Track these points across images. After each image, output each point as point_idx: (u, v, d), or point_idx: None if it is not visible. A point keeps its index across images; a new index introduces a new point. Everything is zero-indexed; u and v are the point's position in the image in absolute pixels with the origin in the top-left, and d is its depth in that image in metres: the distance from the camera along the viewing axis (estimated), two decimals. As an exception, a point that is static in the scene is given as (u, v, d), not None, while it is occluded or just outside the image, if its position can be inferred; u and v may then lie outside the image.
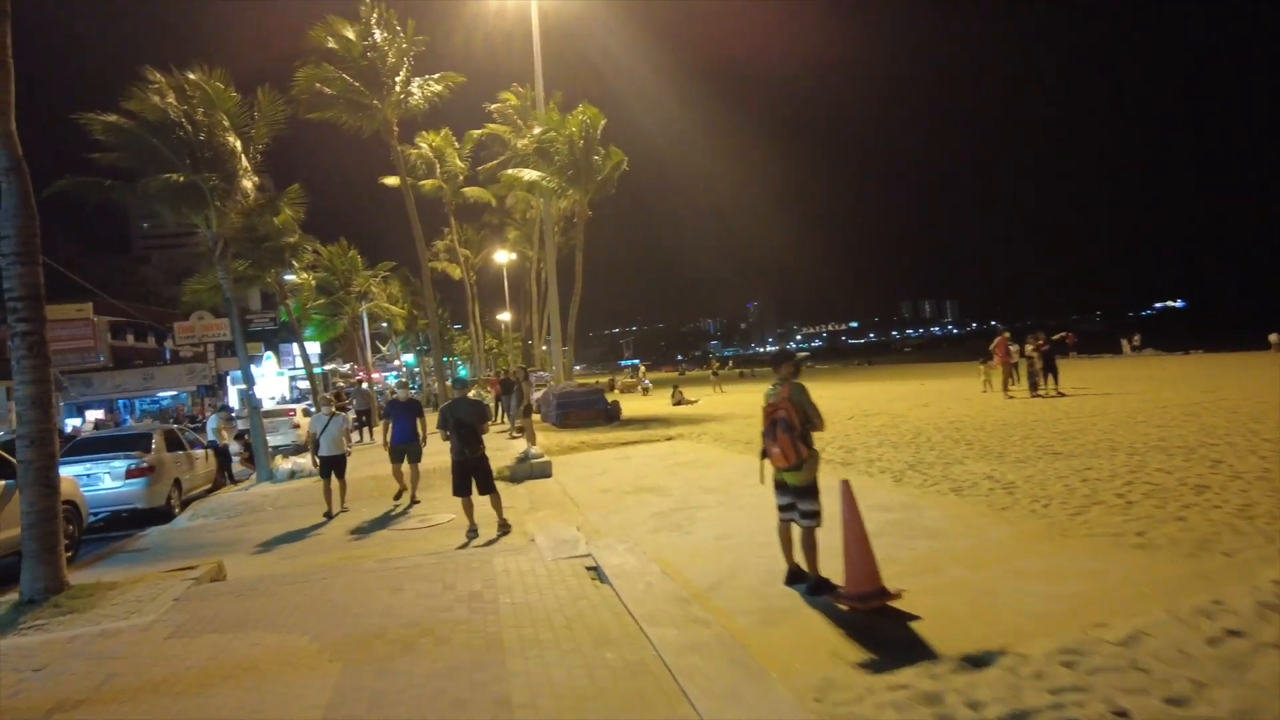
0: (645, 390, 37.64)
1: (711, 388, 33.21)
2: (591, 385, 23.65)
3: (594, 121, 26.09)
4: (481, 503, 8.41)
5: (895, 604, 4.72)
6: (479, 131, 37.73)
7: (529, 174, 27.13)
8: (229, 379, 57.59)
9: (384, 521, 9.81)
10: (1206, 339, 47.05)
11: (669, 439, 15.47)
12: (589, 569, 6.22)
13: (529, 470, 12.19)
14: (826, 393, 26.44)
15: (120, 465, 10.95)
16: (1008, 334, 19.85)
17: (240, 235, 13.99)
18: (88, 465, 10.87)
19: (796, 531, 5.27)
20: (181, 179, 12.32)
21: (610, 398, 22.48)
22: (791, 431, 5.07)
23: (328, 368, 58.95)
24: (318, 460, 10.17)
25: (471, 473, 8.23)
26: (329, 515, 10.04)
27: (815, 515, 5.12)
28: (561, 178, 27.18)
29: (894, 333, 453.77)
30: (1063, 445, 10.42)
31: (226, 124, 13.22)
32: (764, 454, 5.29)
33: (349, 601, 5.77)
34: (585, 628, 4.82)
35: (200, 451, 13.31)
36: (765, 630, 4.64)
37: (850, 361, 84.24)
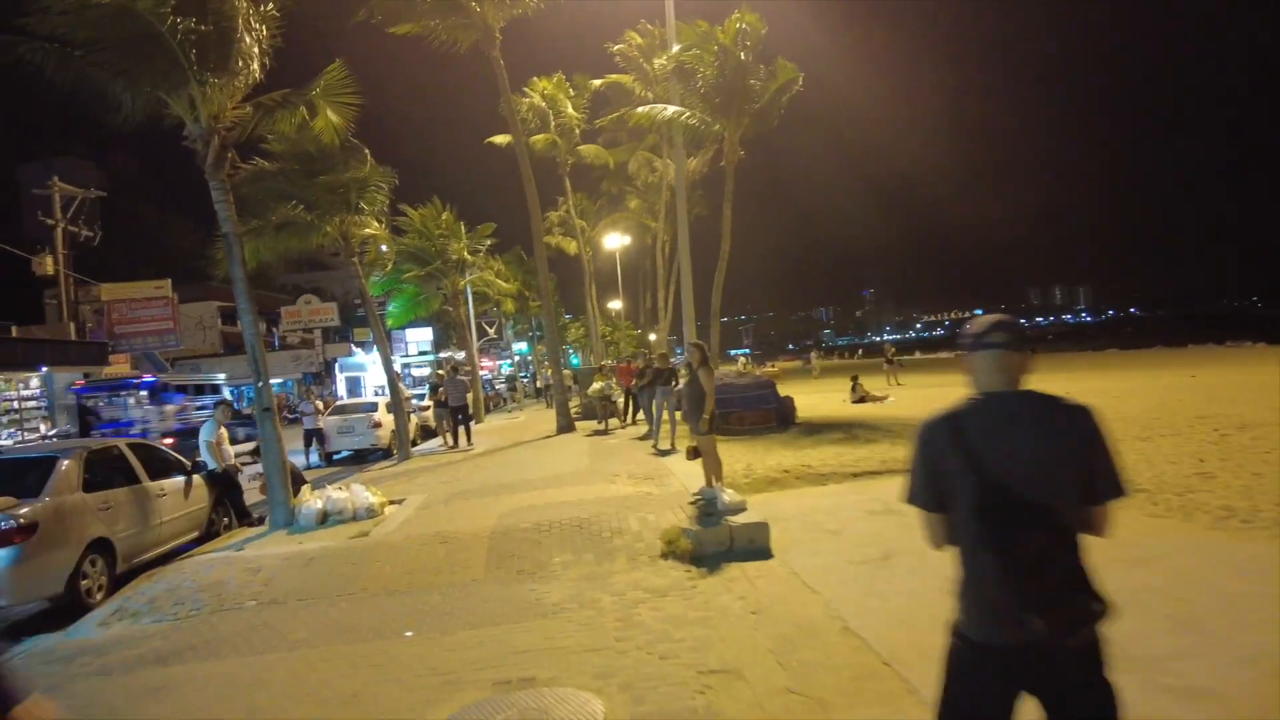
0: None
1: (885, 378, 26.66)
2: (755, 375, 17.75)
3: (753, 30, 19.99)
4: None
5: None
6: (598, 81, 32.40)
7: (665, 109, 21.19)
8: (337, 366, 55.32)
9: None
10: None
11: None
12: None
13: (726, 538, 6.40)
14: (1082, 386, 19.38)
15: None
16: None
17: (240, 135, 8.71)
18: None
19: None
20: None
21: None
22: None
23: (442, 355, 55.55)
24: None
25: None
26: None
27: None
28: (707, 108, 21.22)
29: (1022, 320, 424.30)
30: None
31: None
32: None
33: None
34: None
35: (176, 481, 8.17)
36: None
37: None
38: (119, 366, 29.45)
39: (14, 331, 27.32)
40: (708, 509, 7.06)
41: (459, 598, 5.81)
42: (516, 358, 62.23)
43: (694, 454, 7.95)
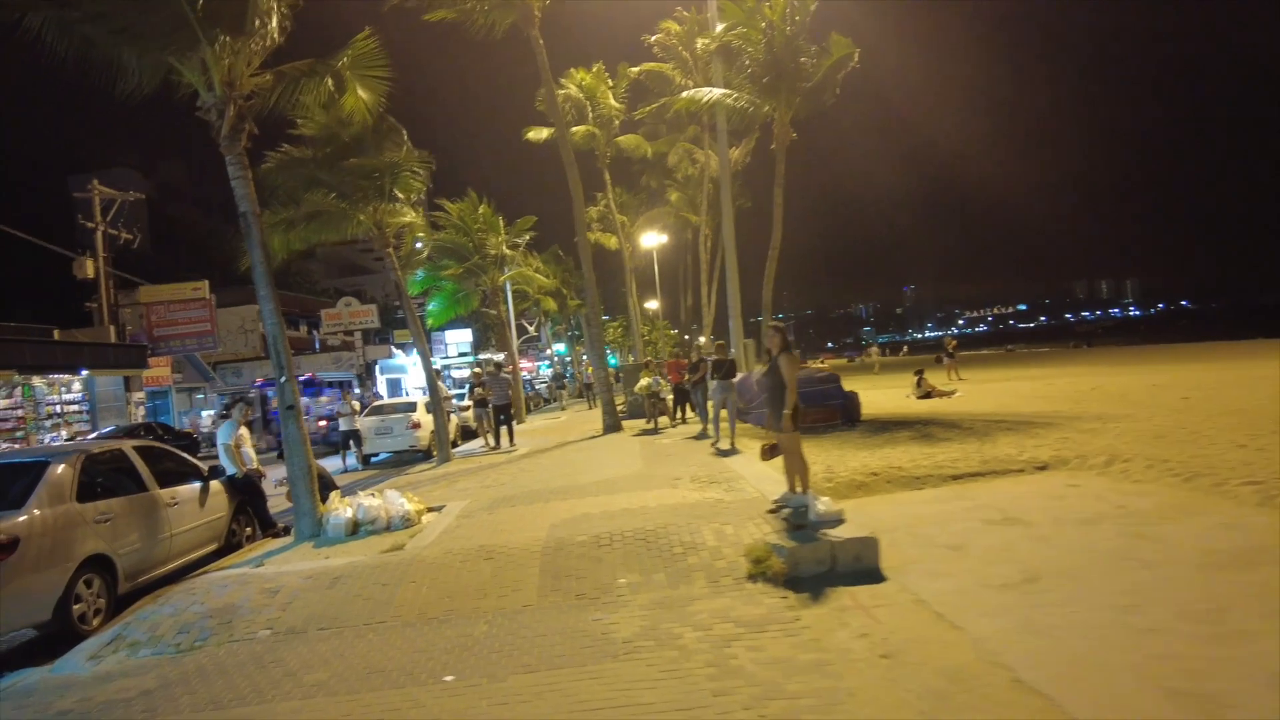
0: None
1: (946, 373, 25.21)
2: (818, 370, 16.55)
3: (802, 5, 18.83)
4: None
5: None
6: (636, 70, 31.51)
7: (711, 92, 20.08)
8: (378, 368, 55.16)
9: None
10: None
11: (1040, 468, 8.12)
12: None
13: (827, 556, 5.32)
14: (1144, 379, 17.88)
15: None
16: None
17: (260, 107, 7.86)
18: None
19: None
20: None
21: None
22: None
23: (481, 357, 55.14)
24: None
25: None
26: None
27: None
28: (755, 88, 20.12)
29: (1068, 315, 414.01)
30: None
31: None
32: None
33: None
34: None
35: (190, 489, 7.32)
36: None
37: (1065, 343, 71.66)
38: (158, 370, 29.25)
39: (55, 335, 27.18)
40: (796, 519, 5.99)
41: (509, 629, 4.82)
42: (555, 359, 61.56)
43: (770, 453, 6.88)
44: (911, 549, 5.63)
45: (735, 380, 12.58)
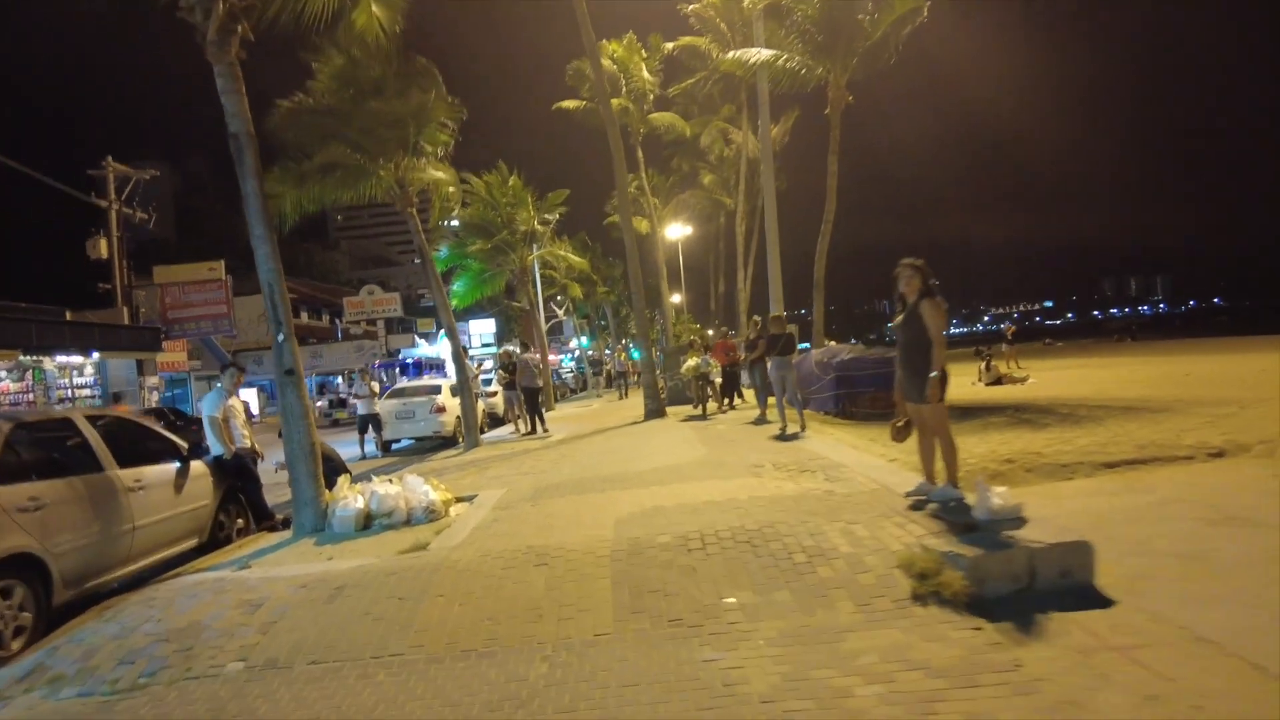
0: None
1: (1005, 361, 23.46)
2: (887, 352, 14.94)
3: (865, -46, 17.18)
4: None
5: None
6: (671, 44, 29.95)
7: (757, 53, 18.50)
8: (401, 356, 54.05)
9: None
10: None
11: (1214, 454, 6.48)
12: None
13: (1024, 567, 3.74)
14: (1232, 365, 15.93)
15: None
16: None
17: (255, 11, 6.39)
18: None
19: None
20: None
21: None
22: None
23: (501, 350, 53.85)
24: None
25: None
26: None
27: None
28: (807, 48, 18.54)
29: (1095, 312, 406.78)
30: None
31: None
32: None
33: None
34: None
35: (162, 470, 5.86)
36: None
37: (1108, 337, 68.92)
38: (174, 355, 28.13)
39: (66, 315, 26.10)
40: (957, 516, 4.43)
41: (580, 671, 3.33)
42: (577, 351, 59.92)
43: (903, 433, 5.33)
44: (1129, 558, 4.05)
45: (794, 358, 11.02)
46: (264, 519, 6.88)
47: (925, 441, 5.23)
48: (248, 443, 6.83)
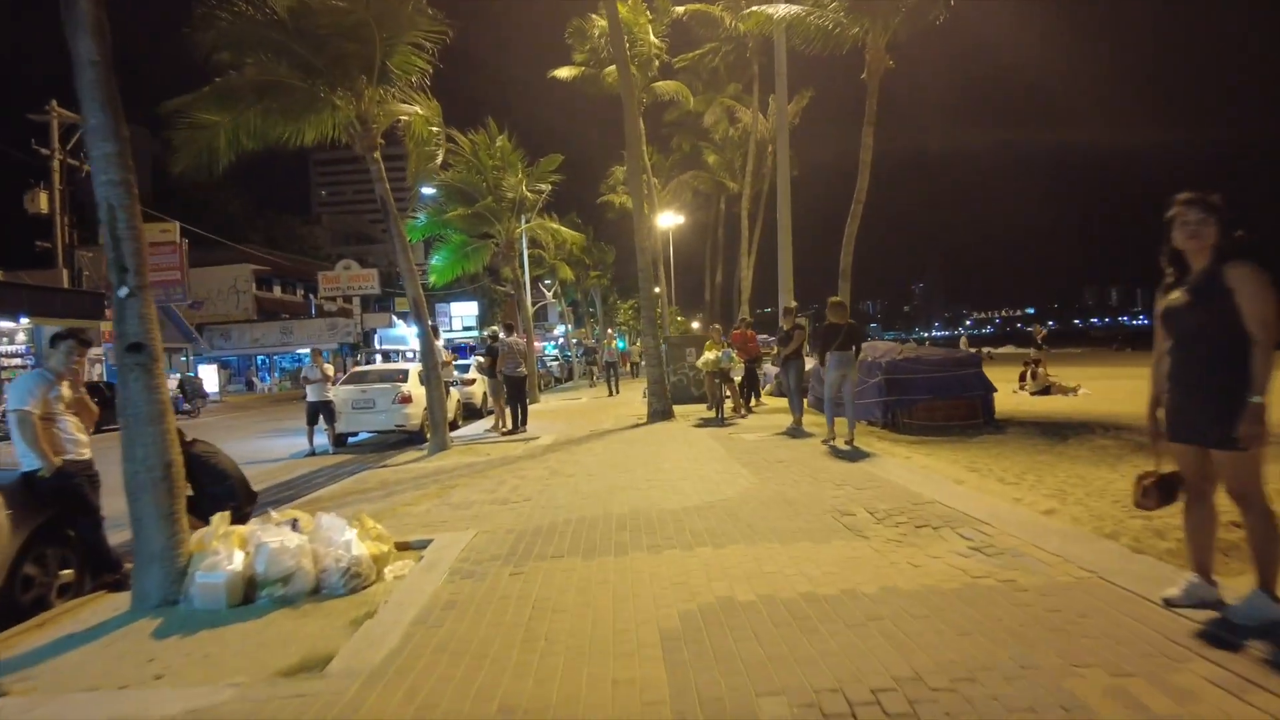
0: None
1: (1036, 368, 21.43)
2: (950, 352, 12.76)
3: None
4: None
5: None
6: (680, 8, 27.65)
7: (784, 9, 16.22)
8: (376, 337, 51.40)
9: None
10: None
11: None
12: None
13: None
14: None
15: None
16: None
17: None
18: None
19: None
20: None
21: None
22: None
23: (486, 332, 51.38)
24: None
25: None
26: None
27: None
28: (841, 5, 16.26)
29: (1076, 321, 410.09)
30: None
31: None
32: None
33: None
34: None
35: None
36: None
37: (1107, 346, 67.81)
38: (120, 323, 25.45)
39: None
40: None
41: None
42: (562, 340, 57.32)
43: (1159, 496, 3.13)
44: None
45: (857, 355, 8.78)
46: (106, 569, 4.51)
47: (1203, 512, 3.01)
48: (86, 453, 4.46)
